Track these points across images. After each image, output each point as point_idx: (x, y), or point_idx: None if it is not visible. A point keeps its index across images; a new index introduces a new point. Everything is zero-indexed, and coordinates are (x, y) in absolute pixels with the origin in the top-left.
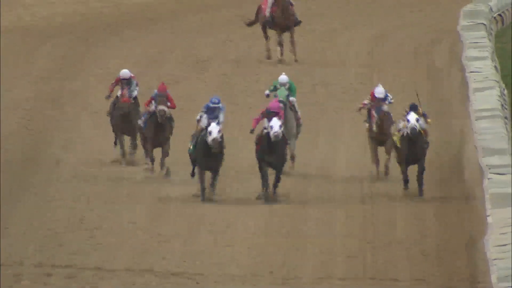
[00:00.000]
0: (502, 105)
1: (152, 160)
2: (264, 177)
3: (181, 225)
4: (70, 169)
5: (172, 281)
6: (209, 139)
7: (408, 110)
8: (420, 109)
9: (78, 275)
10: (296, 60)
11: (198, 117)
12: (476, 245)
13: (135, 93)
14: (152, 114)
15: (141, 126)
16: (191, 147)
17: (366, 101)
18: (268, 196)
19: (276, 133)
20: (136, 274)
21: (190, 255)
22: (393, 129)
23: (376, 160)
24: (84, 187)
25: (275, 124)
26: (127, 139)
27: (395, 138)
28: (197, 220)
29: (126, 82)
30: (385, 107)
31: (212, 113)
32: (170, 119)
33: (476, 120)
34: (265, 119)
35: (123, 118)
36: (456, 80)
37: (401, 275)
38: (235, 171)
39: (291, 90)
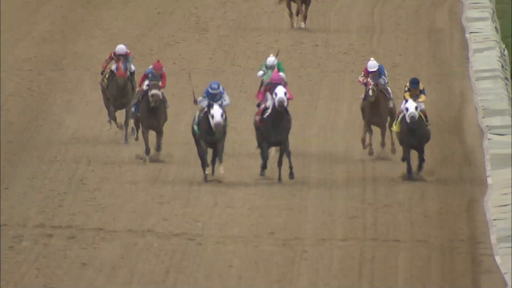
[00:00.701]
0: (502, 66)
1: (147, 150)
2: (264, 154)
3: (182, 186)
4: (71, 130)
5: (173, 242)
6: (212, 122)
7: (408, 85)
8: (421, 85)
9: (79, 236)
10: (303, 27)
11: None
12: (476, 206)
13: (132, 68)
14: (144, 95)
15: (133, 110)
16: (196, 127)
17: (360, 78)
18: (264, 173)
19: (280, 98)
20: (137, 235)
21: (191, 216)
22: (391, 104)
23: (364, 140)
24: (85, 148)
25: (280, 90)
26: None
27: (393, 128)
28: (197, 181)
29: (122, 58)
30: (382, 81)
31: (212, 98)
32: (163, 102)
33: (476, 81)
34: (268, 96)
35: (118, 93)
36: (456, 41)
37: (402, 236)
38: (236, 131)
39: (279, 70)
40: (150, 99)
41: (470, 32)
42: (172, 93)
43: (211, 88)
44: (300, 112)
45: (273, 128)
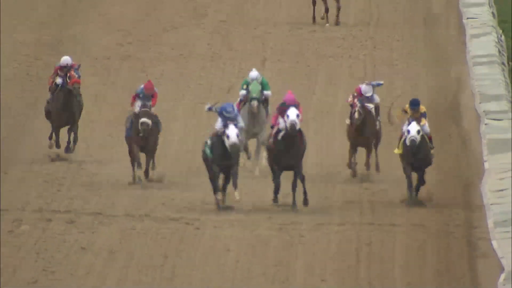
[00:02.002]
0: (499, 51)
1: (139, 164)
2: (276, 180)
3: (180, 171)
4: None
5: (171, 226)
6: (228, 143)
7: (409, 107)
8: (422, 107)
9: (77, 220)
10: (338, 23)
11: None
12: (473, 191)
13: (79, 77)
14: (137, 116)
15: (126, 131)
16: (208, 151)
17: (349, 98)
18: (277, 200)
19: (292, 121)
20: (135, 219)
21: (189, 201)
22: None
23: (351, 163)
24: (83, 133)
25: (292, 113)
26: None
27: (396, 151)
28: (195, 167)
29: (68, 69)
30: (370, 106)
31: (226, 120)
32: (157, 123)
33: (473, 66)
34: (280, 120)
35: (64, 104)
36: (453, 26)
37: (399, 220)
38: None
39: (264, 84)
40: (139, 127)
41: (467, 18)
42: (171, 78)
43: (226, 111)
44: (298, 96)
45: (286, 151)
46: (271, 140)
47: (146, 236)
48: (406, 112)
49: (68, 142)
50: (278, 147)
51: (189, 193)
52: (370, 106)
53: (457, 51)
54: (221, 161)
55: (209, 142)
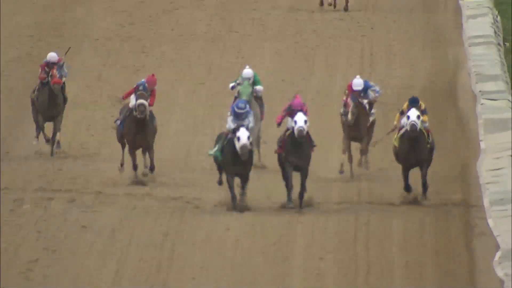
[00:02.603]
0: (495, 32)
1: (135, 167)
2: (288, 181)
3: (180, 151)
4: (71, 95)
5: (172, 205)
6: (238, 145)
7: (408, 104)
8: (422, 104)
9: (78, 199)
10: (346, 9)
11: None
12: (469, 170)
13: (65, 73)
14: (132, 111)
15: (117, 125)
16: (218, 152)
17: (344, 97)
18: (295, 201)
19: (300, 127)
20: (136, 198)
21: (189, 181)
22: (372, 118)
23: (349, 157)
24: (84, 113)
25: (300, 119)
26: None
27: (394, 142)
28: (195, 147)
29: (56, 66)
30: (364, 101)
31: (238, 118)
32: (151, 118)
33: (469, 47)
34: (288, 118)
35: (48, 104)
36: (450, 7)
37: (396, 200)
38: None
39: (256, 81)
40: (137, 109)
41: None
42: (171, 59)
43: (238, 108)
44: (297, 77)
45: (294, 150)
46: (279, 142)
47: (146, 215)
48: (403, 113)
49: (52, 146)
50: (287, 147)
51: (189, 173)
52: (364, 101)
53: (454, 32)
54: (232, 166)
55: (220, 144)
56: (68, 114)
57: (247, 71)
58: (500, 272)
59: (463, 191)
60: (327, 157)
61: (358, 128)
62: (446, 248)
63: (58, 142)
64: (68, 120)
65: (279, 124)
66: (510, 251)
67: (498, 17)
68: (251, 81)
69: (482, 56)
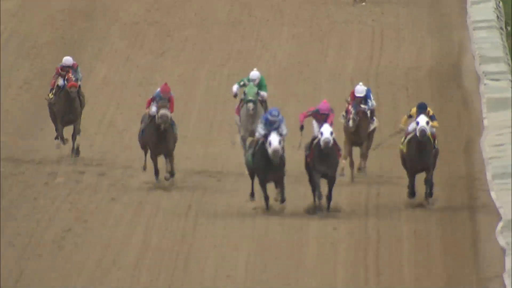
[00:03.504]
0: (497, 17)
1: (156, 173)
2: (316, 189)
3: (203, 128)
4: (101, 76)
5: (195, 179)
6: (270, 150)
7: (416, 110)
8: (430, 110)
9: (108, 173)
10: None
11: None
12: (473, 146)
13: (80, 77)
14: (153, 119)
15: (139, 133)
16: (249, 157)
17: (347, 103)
18: (322, 207)
19: (326, 139)
20: (162, 172)
21: (211, 156)
22: (372, 127)
23: (351, 162)
24: (114, 93)
25: (326, 130)
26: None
27: (401, 146)
28: (217, 123)
29: (71, 70)
30: (365, 108)
31: (271, 125)
32: (172, 125)
33: (473, 30)
34: (315, 124)
35: (65, 108)
36: None
37: (405, 173)
38: None
39: (261, 85)
40: (159, 120)
41: None
42: (193, 43)
43: (271, 115)
44: (312, 59)
45: (321, 159)
46: (306, 152)
47: (171, 188)
48: (411, 117)
49: (73, 149)
50: (314, 155)
51: (212, 148)
52: (365, 107)
53: (459, 17)
54: (264, 173)
55: (252, 149)
56: (98, 94)
57: (254, 73)
58: (502, 241)
59: (467, 165)
60: (340, 132)
61: (359, 134)
62: (451, 219)
63: (78, 149)
64: (98, 99)
65: (301, 127)
66: (511, 222)
67: (500, 2)
68: (256, 83)
69: (485, 39)
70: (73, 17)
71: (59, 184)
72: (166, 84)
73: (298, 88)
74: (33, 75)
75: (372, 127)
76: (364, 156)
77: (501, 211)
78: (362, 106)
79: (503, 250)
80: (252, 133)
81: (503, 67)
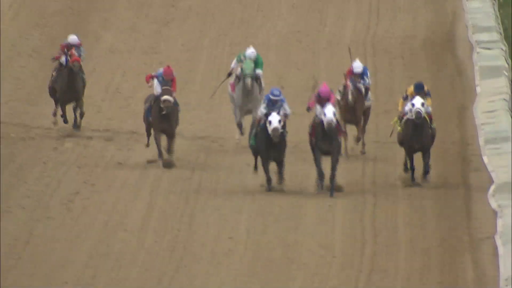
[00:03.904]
0: None
1: (160, 154)
2: (318, 167)
3: (206, 94)
4: (108, 45)
5: (198, 143)
6: (270, 128)
7: (413, 90)
8: (426, 87)
9: (115, 138)
10: None
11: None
12: (466, 112)
13: (83, 56)
14: (156, 99)
15: (144, 113)
16: (251, 139)
17: (343, 81)
18: (322, 186)
19: (329, 120)
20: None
21: (214, 121)
22: (364, 105)
23: (345, 138)
24: (119, 61)
25: (329, 111)
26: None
27: (396, 124)
28: (220, 89)
29: (73, 48)
30: (361, 84)
31: (273, 105)
32: (175, 105)
33: (466, 0)
34: (317, 105)
35: (69, 81)
36: None
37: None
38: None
39: (257, 64)
40: (162, 105)
41: None
42: (197, 12)
43: (273, 95)
44: (311, 28)
45: (323, 137)
46: (310, 129)
47: (176, 152)
48: (407, 98)
49: (75, 119)
50: (317, 135)
51: (214, 114)
52: (361, 87)
53: None
54: (266, 149)
55: (253, 130)
56: (104, 62)
57: (250, 51)
58: (493, 204)
59: (460, 130)
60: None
61: (354, 111)
62: (445, 182)
63: (79, 126)
64: (105, 67)
65: (309, 109)
66: (502, 185)
67: None
68: (253, 59)
69: (478, 9)
70: None
71: (67, 149)
72: (169, 66)
73: (298, 56)
74: (42, 44)
75: (367, 104)
76: (359, 135)
77: (493, 175)
78: (359, 83)
79: (494, 213)
80: (248, 112)
81: (495, 36)
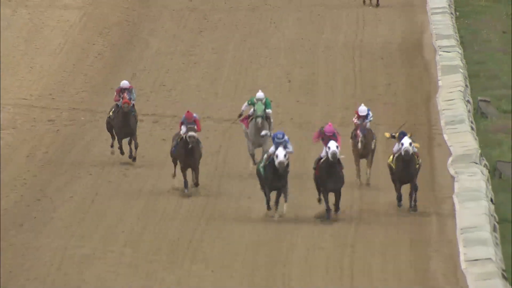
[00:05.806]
0: (449, 5)
1: (186, 184)
2: (325, 199)
3: (231, 87)
4: (155, 49)
5: (224, 125)
6: (276, 161)
7: (397, 136)
8: (409, 135)
9: (160, 121)
10: (377, 5)
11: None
12: (431, 100)
13: (134, 97)
14: (183, 138)
15: (171, 150)
16: (261, 168)
17: (355, 120)
18: (331, 215)
19: (333, 152)
20: (200, 120)
21: (237, 108)
22: (373, 145)
23: (359, 169)
24: (164, 61)
25: (333, 144)
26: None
27: (389, 161)
28: (241, 84)
29: (126, 91)
30: (368, 125)
31: (278, 145)
32: (197, 142)
33: (431, 15)
34: (323, 147)
35: (124, 121)
36: None
37: (381, 120)
38: (267, 49)
39: (266, 104)
40: (188, 140)
41: None
42: (224, 23)
43: (277, 138)
44: (312, 36)
45: (327, 176)
46: (314, 165)
47: (207, 132)
48: (395, 137)
49: (130, 150)
50: (321, 172)
51: (237, 102)
52: (368, 125)
53: (421, 5)
54: (272, 183)
55: (263, 162)
56: (152, 62)
57: (260, 94)
58: (452, 171)
59: (427, 114)
60: (334, 83)
61: (366, 147)
62: None
63: (135, 158)
64: (152, 66)
65: (315, 141)
66: (459, 156)
67: None
68: (263, 102)
69: (440, 21)
70: (134, 4)
71: None
72: (188, 111)
73: (301, 57)
74: (104, 48)
75: (373, 144)
76: (369, 165)
77: (451, 149)
78: (365, 121)
79: (452, 178)
80: (259, 146)
81: (453, 42)
